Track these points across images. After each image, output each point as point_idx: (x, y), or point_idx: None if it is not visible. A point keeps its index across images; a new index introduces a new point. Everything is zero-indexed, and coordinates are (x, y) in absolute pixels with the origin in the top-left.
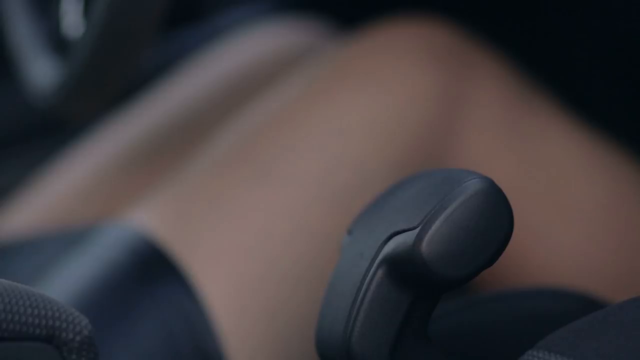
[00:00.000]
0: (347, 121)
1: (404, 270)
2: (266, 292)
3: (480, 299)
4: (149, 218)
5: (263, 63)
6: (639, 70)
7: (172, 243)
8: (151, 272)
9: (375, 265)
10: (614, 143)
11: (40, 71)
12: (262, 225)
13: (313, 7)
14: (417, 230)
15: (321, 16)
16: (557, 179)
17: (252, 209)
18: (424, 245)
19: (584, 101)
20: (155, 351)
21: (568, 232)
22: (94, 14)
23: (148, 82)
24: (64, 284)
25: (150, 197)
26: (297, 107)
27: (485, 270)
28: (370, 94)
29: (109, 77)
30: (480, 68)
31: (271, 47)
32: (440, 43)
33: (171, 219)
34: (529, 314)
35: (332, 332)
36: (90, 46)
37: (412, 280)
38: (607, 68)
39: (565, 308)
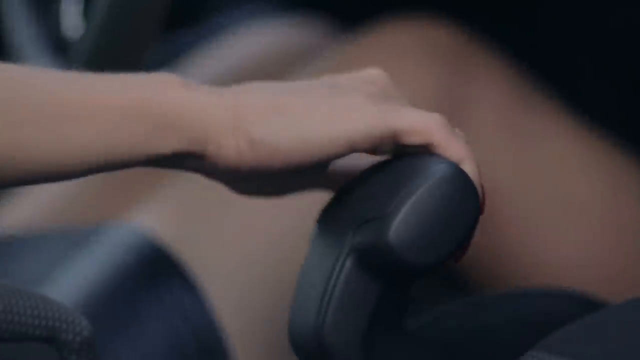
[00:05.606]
0: None
1: (373, 259)
2: (270, 293)
3: (481, 300)
4: (154, 220)
5: (263, 63)
6: (639, 69)
7: (176, 244)
8: (156, 273)
9: (344, 255)
10: (614, 143)
11: None
12: (265, 228)
13: (314, 7)
14: (384, 219)
15: (322, 16)
16: (557, 178)
17: (255, 211)
18: (392, 234)
19: (585, 100)
20: (160, 351)
21: (568, 233)
22: (94, 14)
23: None
24: (69, 285)
25: (155, 199)
26: None
27: (486, 271)
28: None
29: None
30: (481, 68)
31: (271, 47)
32: (441, 43)
33: (175, 221)
34: (529, 314)
35: (305, 323)
36: (90, 46)
37: (382, 269)
38: (608, 67)
39: (565, 309)
